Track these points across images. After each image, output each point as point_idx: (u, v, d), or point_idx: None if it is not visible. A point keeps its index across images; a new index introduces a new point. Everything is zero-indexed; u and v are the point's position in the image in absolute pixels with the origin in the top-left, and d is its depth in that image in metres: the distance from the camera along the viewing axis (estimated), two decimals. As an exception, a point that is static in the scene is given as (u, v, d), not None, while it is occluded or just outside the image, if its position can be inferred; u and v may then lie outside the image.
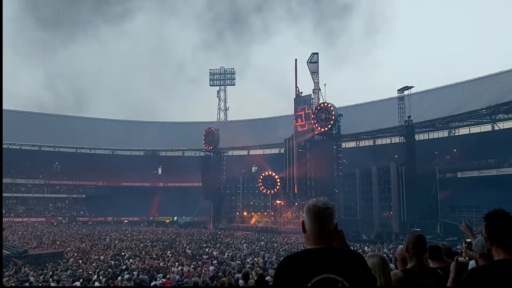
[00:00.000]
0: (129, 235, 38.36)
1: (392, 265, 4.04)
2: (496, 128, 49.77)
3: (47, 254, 21.44)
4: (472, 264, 3.51)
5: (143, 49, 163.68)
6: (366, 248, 25.69)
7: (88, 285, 12.98)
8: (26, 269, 15.23)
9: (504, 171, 42.57)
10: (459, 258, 3.36)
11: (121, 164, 70.59)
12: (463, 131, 52.58)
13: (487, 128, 50.79)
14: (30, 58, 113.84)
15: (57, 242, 30.76)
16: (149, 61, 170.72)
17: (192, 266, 16.03)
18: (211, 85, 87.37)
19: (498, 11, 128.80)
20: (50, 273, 15.48)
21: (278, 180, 51.42)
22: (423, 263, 3.21)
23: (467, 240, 3.60)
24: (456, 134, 53.26)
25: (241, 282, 10.34)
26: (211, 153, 57.47)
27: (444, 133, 54.55)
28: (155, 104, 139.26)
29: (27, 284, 12.86)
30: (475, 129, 51.69)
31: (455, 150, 50.60)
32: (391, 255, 11.14)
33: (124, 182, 69.88)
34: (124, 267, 17.12)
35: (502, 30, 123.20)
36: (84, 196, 70.15)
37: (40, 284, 12.90)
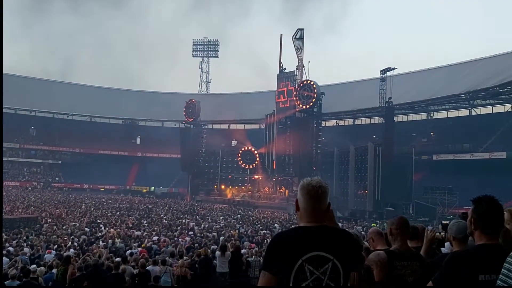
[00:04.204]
0: (105, 203, 38.19)
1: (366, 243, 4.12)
2: (474, 113, 50.73)
3: (21, 219, 21.15)
4: (447, 245, 3.64)
5: (124, 16, 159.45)
6: (340, 225, 26.15)
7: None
8: (6, 237, 14.97)
9: (477, 156, 43.59)
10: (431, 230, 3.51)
11: (99, 131, 69.63)
12: (441, 114, 53.49)
13: (465, 113, 51.77)
14: (10, 21, 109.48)
15: (32, 208, 30.44)
16: (130, 28, 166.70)
17: (168, 236, 16.11)
18: (194, 56, 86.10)
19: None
20: (24, 237, 15.36)
21: (257, 155, 51.46)
22: (407, 245, 3.21)
23: (444, 222, 3.72)
24: (434, 117, 54.15)
25: (218, 253, 10.48)
26: (191, 125, 57.04)
27: (422, 116, 55.40)
28: (136, 72, 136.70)
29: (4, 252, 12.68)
30: (453, 113, 52.66)
31: (432, 133, 51.54)
32: (363, 233, 11.41)
33: (101, 150, 69.06)
34: (99, 234, 17.11)
35: (485, 17, 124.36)
36: (60, 162, 69.16)
37: (13, 249, 12.73)
